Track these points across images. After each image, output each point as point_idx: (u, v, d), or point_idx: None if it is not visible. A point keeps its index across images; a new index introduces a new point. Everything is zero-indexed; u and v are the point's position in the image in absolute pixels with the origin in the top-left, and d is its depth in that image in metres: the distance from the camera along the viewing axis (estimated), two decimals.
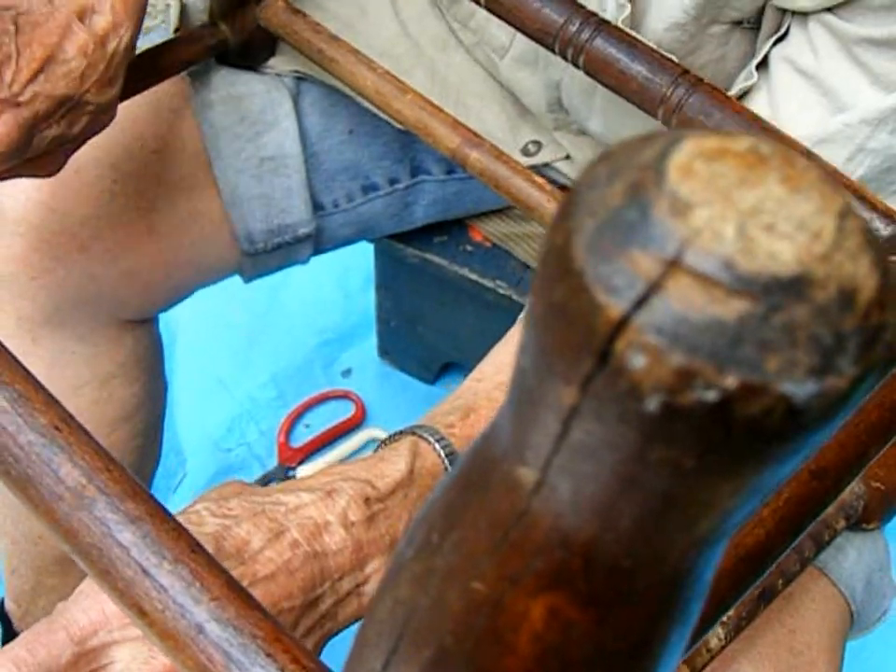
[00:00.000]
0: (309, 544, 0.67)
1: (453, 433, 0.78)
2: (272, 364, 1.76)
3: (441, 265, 1.37)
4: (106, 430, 1.11)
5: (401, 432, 0.79)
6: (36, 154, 0.83)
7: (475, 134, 0.95)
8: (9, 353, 0.37)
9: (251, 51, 1.09)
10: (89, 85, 0.84)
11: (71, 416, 0.37)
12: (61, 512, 0.38)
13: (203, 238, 1.11)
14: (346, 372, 1.77)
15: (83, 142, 0.88)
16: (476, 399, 0.83)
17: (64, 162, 0.88)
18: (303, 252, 1.17)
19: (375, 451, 0.78)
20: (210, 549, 0.63)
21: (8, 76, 0.80)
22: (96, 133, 0.88)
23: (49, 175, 0.88)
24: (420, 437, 0.77)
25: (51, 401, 0.37)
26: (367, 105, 1.06)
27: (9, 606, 1.25)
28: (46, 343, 1.07)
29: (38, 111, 0.81)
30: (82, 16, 0.83)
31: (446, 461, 0.76)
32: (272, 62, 1.10)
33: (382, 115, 1.03)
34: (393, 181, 1.19)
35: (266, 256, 1.14)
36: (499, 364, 0.88)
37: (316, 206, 1.15)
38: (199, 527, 0.65)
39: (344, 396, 1.74)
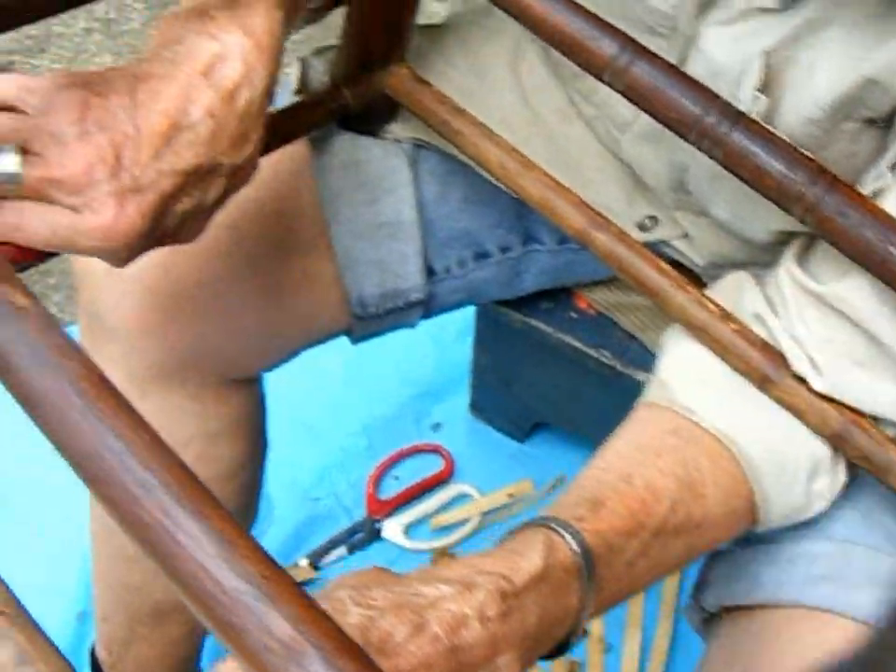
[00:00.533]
0: (448, 638, 0.66)
1: (584, 527, 0.77)
2: (363, 414, 1.76)
3: (546, 331, 1.36)
4: (210, 488, 1.11)
5: (532, 523, 0.78)
6: (169, 229, 0.81)
7: (599, 215, 0.94)
8: (210, 493, 0.37)
9: (372, 117, 1.08)
10: (220, 147, 0.79)
11: (276, 564, 0.36)
12: (270, 664, 0.37)
13: (316, 301, 1.10)
14: (436, 426, 1.77)
15: (224, 202, 0.84)
16: (603, 491, 0.82)
17: (205, 227, 0.85)
18: (413, 316, 1.17)
19: (506, 540, 0.77)
20: (357, 639, 0.62)
21: (128, 158, 0.75)
22: (239, 189, 0.85)
23: (189, 242, 0.85)
24: (553, 530, 0.76)
25: (257, 548, 0.36)
26: (485, 174, 1.05)
27: (101, 653, 1.25)
28: (154, 399, 1.07)
29: (165, 191, 0.77)
30: (209, 70, 0.78)
31: (579, 556, 0.75)
32: (391, 127, 1.10)
33: (503, 187, 1.02)
34: (505, 249, 1.19)
35: (377, 319, 1.14)
36: (623, 454, 0.87)
37: (429, 272, 1.14)
38: (343, 616, 0.65)
39: (434, 450, 1.74)
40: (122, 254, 0.77)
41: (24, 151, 0.74)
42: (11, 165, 0.73)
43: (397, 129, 1.10)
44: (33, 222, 0.74)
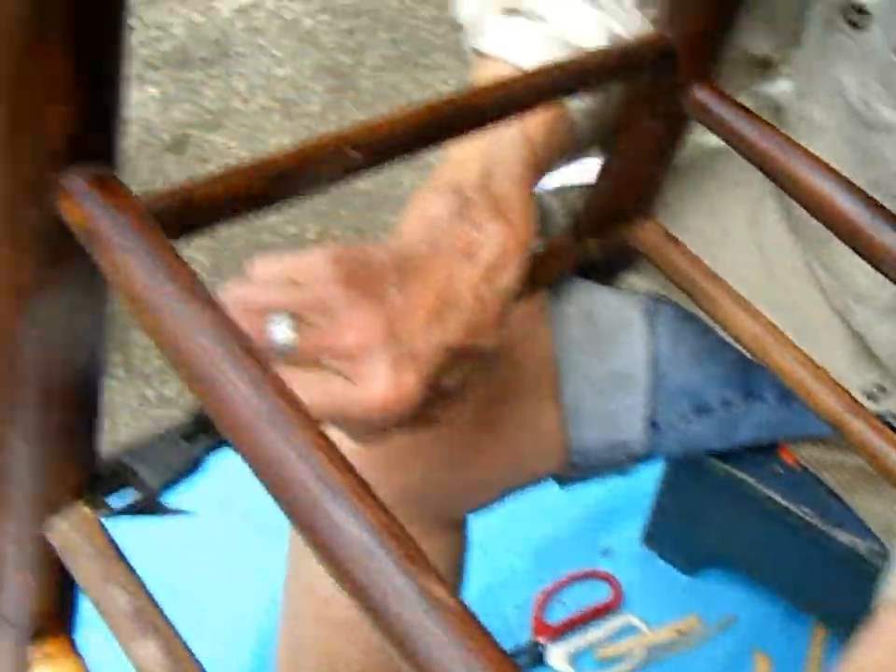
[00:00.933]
0: None
1: None
2: (532, 535, 1.73)
3: (748, 483, 1.33)
4: None
5: None
6: (430, 407, 0.80)
7: (855, 401, 0.92)
8: None
9: (611, 266, 1.07)
10: (483, 329, 0.80)
11: None
12: None
13: (536, 447, 1.09)
14: (606, 552, 1.74)
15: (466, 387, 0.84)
16: None
17: (454, 410, 0.84)
18: (629, 466, 1.15)
19: None
20: None
21: (401, 329, 0.75)
22: (485, 369, 0.85)
23: (439, 423, 0.83)
24: None
25: None
26: (723, 333, 1.03)
27: None
28: None
29: (437, 364, 0.77)
30: (470, 254, 0.80)
31: None
32: (629, 278, 1.08)
33: (757, 361, 0.99)
34: (726, 403, 1.16)
35: (594, 469, 1.12)
36: (879, 662, 0.84)
37: (651, 425, 1.12)
38: None
39: (603, 577, 1.71)
40: (389, 426, 0.76)
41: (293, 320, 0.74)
42: (285, 334, 0.73)
43: (634, 280, 1.08)
44: (305, 392, 0.73)
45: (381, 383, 0.73)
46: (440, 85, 2.51)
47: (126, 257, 0.45)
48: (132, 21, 2.34)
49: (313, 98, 2.55)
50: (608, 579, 1.70)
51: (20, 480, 0.62)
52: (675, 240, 1.01)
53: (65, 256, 0.51)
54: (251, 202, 0.61)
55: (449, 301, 0.78)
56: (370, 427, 0.76)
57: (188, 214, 0.58)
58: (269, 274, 0.77)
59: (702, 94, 0.89)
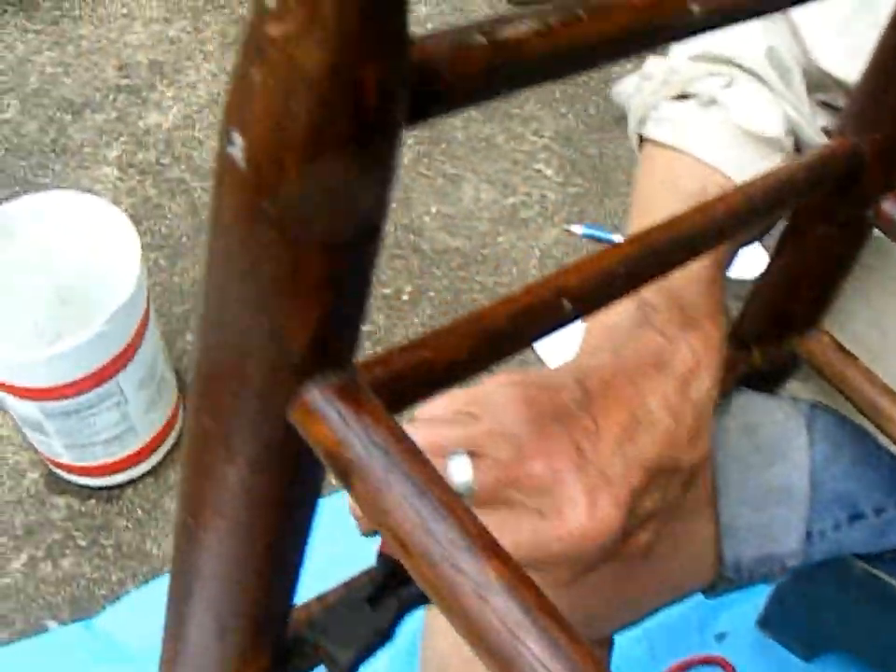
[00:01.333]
0: None
1: None
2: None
3: (886, 581, 1.27)
4: None
5: None
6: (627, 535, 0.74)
7: None
8: None
9: (774, 375, 1.01)
10: (679, 443, 0.73)
11: None
12: None
13: (689, 563, 1.03)
14: (720, 637, 1.67)
15: (673, 512, 0.78)
16: None
17: (655, 537, 0.78)
18: (779, 576, 1.09)
19: None
20: None
21: (589, 448, 0.69)
22: (690, 490, 0.79)
23: (641, 555, 0.77)
24: None
25: None
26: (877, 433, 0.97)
27: None
28: None
29: (634, 485, 0.70)
30: (658, 362, 0.74)
31: None
32: (790, 385, 1.02)
33: None
34: (879, 511, 1.10)
35: (745, 581, 1.06)
36: None
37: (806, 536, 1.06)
38: None
39: (718, 662, 1.64)
40: (592, 559, 0.70)
41: (472, 456, 0.69)
42: (464, 472, 0.68)
43: (796, 387, 1.03)
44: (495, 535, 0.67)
45: (577, 514, 0.68)
46: (532, 136, 2.45)
47: (389, 494, 0.39)
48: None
49: (403, 150, 2.49)
50: (723, 665, 1.64)
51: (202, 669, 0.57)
52: (846, 352, 0.95)
53: (291, 464, 0.45)
54: (463, 366, 0.56)
55: (640, 416, 0.71)
56: (570, 564, 0.70)
57: (400, 387, 0.52)
58: (441, 411, 0.71)
59: (888, 205, 0.83)
